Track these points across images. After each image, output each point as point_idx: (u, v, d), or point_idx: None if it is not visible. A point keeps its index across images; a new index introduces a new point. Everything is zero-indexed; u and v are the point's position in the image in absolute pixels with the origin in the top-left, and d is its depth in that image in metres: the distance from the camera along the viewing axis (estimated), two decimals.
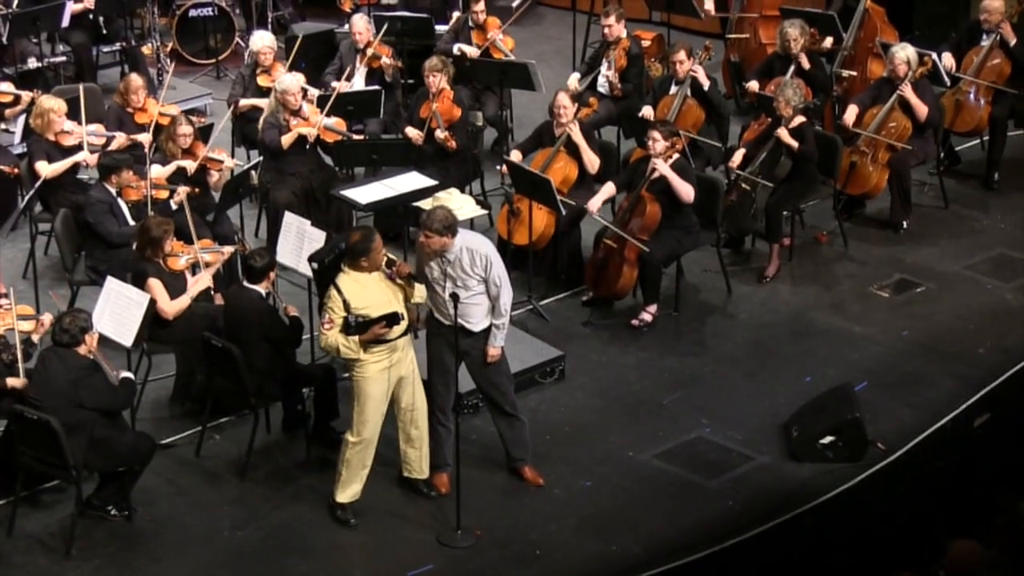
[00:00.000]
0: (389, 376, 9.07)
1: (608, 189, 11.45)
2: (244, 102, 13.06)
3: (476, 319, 9.29)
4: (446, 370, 9.37)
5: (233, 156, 12.63)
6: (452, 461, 9.35)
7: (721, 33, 15.03)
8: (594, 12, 15.53)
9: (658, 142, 11.09)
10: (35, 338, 9.60)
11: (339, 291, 8.89)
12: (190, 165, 11.59)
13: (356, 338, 8.90)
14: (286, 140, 12.07)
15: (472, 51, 13.78)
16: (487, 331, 9.32)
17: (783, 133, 11.67)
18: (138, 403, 10.04)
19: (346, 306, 8.86)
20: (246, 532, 9.28)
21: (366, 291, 8.94)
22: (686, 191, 11.06)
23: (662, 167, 11.02)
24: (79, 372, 8.92)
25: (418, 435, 9.39)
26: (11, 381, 9.23)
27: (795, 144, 11.65)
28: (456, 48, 13.84)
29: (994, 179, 13.35)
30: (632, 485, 9.67)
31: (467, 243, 9.20)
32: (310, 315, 10.69)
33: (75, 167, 11.81)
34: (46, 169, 11.60)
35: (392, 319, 8.91)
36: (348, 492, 9.25)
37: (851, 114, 12.47)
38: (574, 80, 13.38)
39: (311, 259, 9.39)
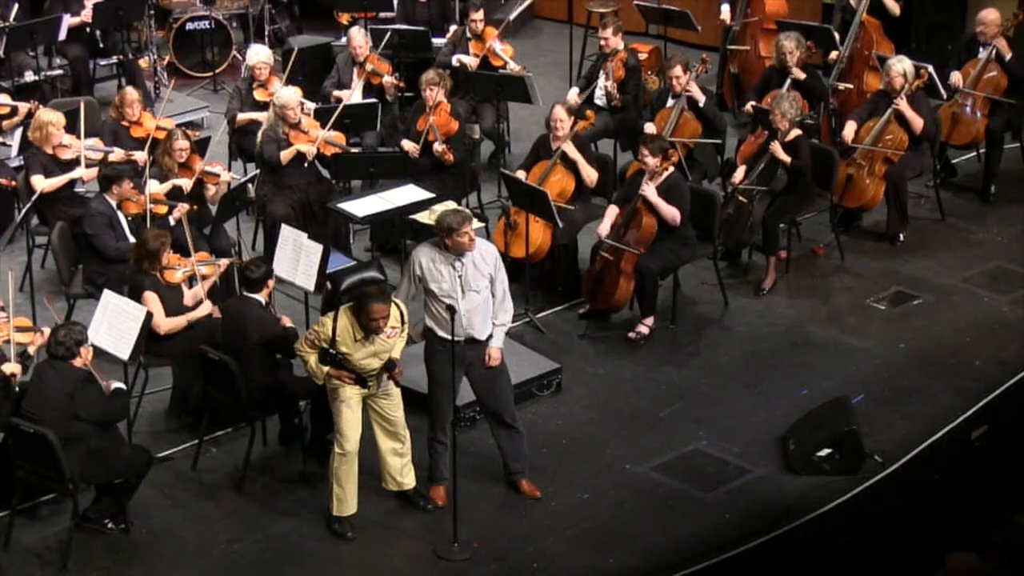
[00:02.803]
0: (356, 396, 9.11)
1: (612, 212, 11.38)
2: (242, 116, 13.07)
3: (483, 326, 9.28)
4: (449, 387, 9.32)
5: (230, 169, 12.64)
6: (449, 474, 9.34)
7: (718, 46, 15.03)
8: (591, 25, 15.54)
9: (647, 158, 11.08)
10: (31, 350, 9.60)
11: (333, 322, 8.93)
12: (187, 183, 11.56)
13: (325, 369, 8.99)
14: (285, 156, 12.07)
15: (472, 61, 13.79)
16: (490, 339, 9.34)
17: (776, 148, 11.68)
18: (135, 416, 10.04)
19: (332, 340, 8.90)
20: (243, 545, 9.26)
21: (355, 342, 8.94)
22: (671, 215, 11.05)
23: (649, 192, 11.02)
24: (75, 384, 8.91)
25: (396, 446, 9.35)
26: (7, 367, 9.23)
27: (787, 159, 11.66)
28: (455, 59, 13.86)
29: (990, 191, 13.36)
30: (629, 498, 9.67)
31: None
32: (306, 327, 10.68)
33: (73, 180, 11.80)
34: (42, 183, 11.60)
35: (361, 382, 9.00)
36: (343, 507, 9.24)
37: (850, 131, 12.47)
38: (573, 95, 13.40)
39: (334, 279, 9.36)
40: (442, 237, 9.20)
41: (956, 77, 13.06)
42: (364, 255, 12.09)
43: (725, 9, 14.69)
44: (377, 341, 8.97)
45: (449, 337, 9.13)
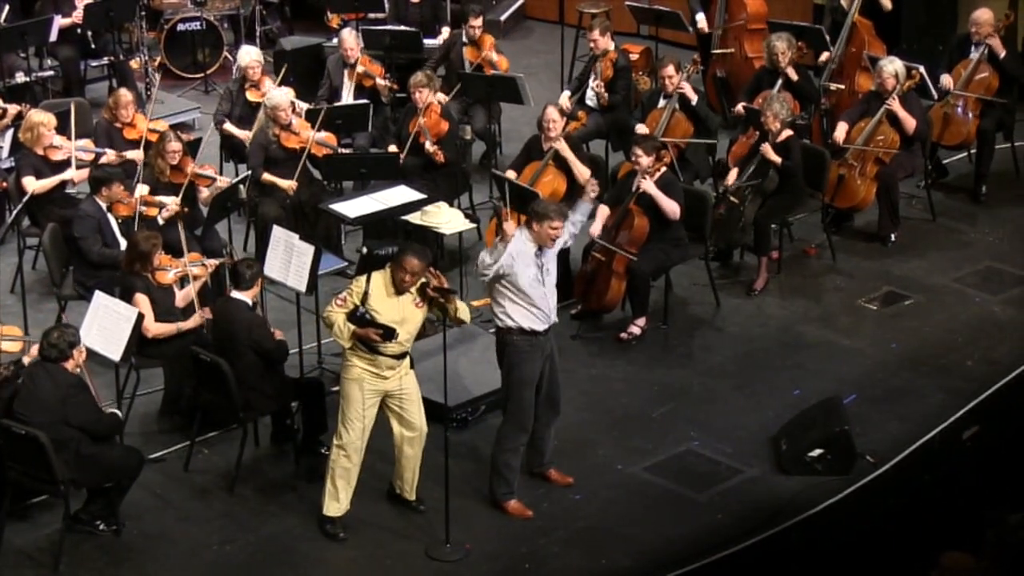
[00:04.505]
0: (369, 384, 9.02)
1: (603, 213, 11.34)
2: (229, 127, 13.01)
3: (554, 311, 9.33)
4: (536, 382, 9.27)
5: (221, 169, 12.62)
6: (441, 476, 9.31)
7: (708, 48, 15.03)
8: (582, 26, 15.53)
9: (641, 158, 11.08)
10: (26, 360, 9.55)
11: (367, 281, 8.95)
12: (174, 203, 11.43)
13: (351, 328, 8.92)
14: (265, 179, 12.06)
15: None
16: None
17: (767, 149, 11.69)
18: (126, 418, 10.02)
19: (364, 297, 8.90)
20: (235, 546, 9.25)
21: (388, 300, 8.94)
22: (671, 208, 11.06)
23: (648, 185, 11.02)
24: (67, 389, 8.89)
25: (409, 455, 9.32)
26: None
27: (778, 160, 11.67)
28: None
29: (982, 192, 13.37)
30: (621, 498, 9.67)
31: None
32: (299, 329, 10.69)
33: (64, 181, 11.79)
34: (33, 184, 11.57)
35: (389, 333, 8.91)
36: (335, 506, 9.22)
37: (841, 132, 12.49)
38: (565, 99, 13.37)
39: (366, 243, 9.64)
40: (531, 221, 9.18)
41: (947, 80, 13.07)
42: (355, 256, 12.05)
43: (701, 18, 14.67)
44: (407, 306, 8.97)
45: (542, 328, 9.15)
